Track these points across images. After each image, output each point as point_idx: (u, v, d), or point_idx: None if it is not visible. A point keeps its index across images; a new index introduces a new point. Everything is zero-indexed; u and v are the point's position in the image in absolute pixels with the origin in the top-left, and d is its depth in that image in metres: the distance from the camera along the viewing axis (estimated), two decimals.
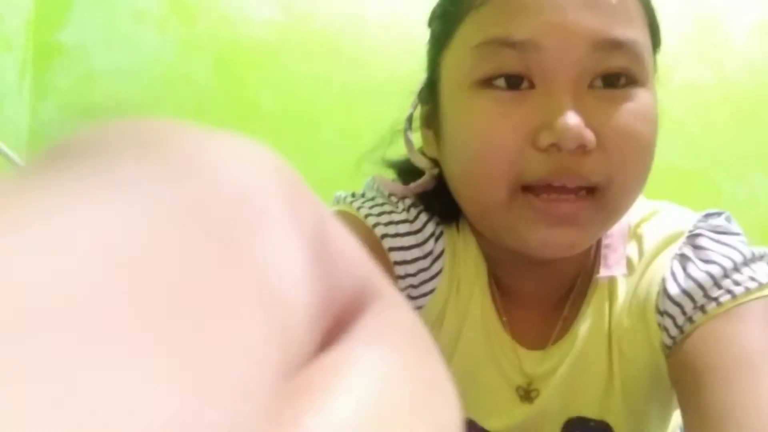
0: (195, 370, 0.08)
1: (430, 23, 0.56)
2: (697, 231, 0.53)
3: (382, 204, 0.56)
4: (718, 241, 0.52)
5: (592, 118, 0.44)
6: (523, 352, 0.57)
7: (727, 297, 0.48)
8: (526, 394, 0.57)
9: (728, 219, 0.55)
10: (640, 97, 0.46)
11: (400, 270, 0.54)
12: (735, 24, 1.71)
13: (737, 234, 0.53)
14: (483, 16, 0.47)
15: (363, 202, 0.56)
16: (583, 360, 0.56)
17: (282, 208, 0.10)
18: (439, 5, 0.55)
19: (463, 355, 0.58)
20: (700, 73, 1.70)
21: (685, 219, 0.55)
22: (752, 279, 0.48)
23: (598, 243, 0.55)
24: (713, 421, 0.43)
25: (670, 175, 1.66)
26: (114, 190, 0.08)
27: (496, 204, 0.47)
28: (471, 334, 0.58)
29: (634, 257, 0.55)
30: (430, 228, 0.56)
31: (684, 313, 0.49)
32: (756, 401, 0.42)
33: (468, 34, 0.48)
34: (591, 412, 0.56)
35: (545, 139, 0.44)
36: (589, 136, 0.44)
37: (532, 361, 0.57)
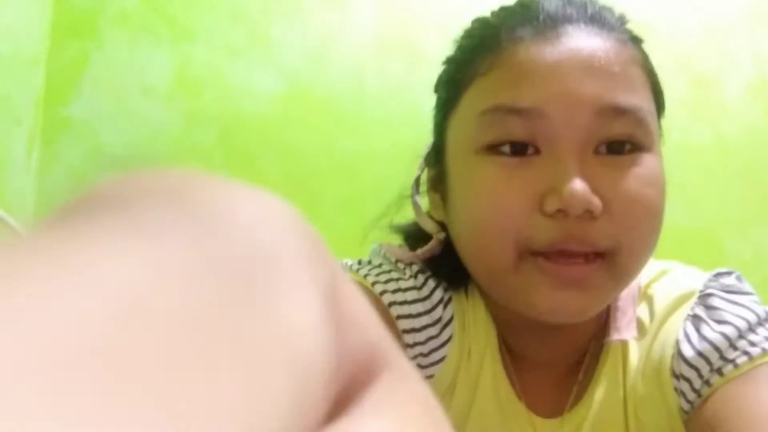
0: (217, 422, 0.07)
1: (436, 89, 0.57)
2: (708, 291, 0.52)
3: (389, 271, 0.55)
4: (730, 301, 0.51)
5: (599, 184, 0.45)
6: (538, 421, 0.55)
7: (744, 359, 0.47)
8: None
9: (739, 278, 0.55)
10: (646, 163, 0.47)
11: (409, 338, 0.52)
12: (729, 83, 1.75)
13: (749, 294, 0.53)
14: (488, 84, 0.48)
15: (370, 269, 0.55)
16: (599, 427, 0.54)
17: (300, 264, 0.10)
18: (444, 72, 0.56)
19: (476, 424, 0.56)
20: (696, 133, 1.73)
21: (696, 279, 0.54)
22: (767, 339, 0.48)
23: (609, 306, 0.54)
24: None
25: (674, 234, 1.65)
26: (140, 243, 0.08)
27: (504, 268, 0.47)
28: (483, 403, 0.56)
29: (646, 319, 0.54)
30: (438, 294, 0.55)
31: (701, 376, 0.48)
32: None
33: (474, 100, 0.49)
34: None
35: (552, 205, 0.44)
36: (596, 202, 0.44)
37: (547, 430, 0.55)
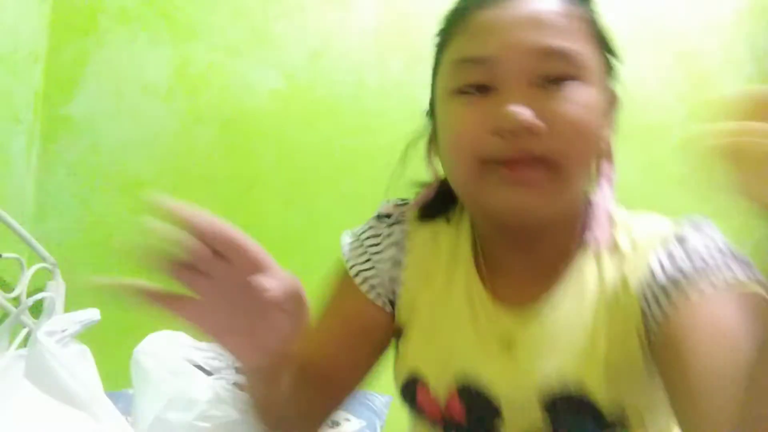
0: None
1: (433, 54, 0.69)
2: (682, 228, 0.62)
3: (365, 237, 0.78)
4: (701, 238, 0.60)
5: (540, 109, 0.57)
6: (503, 309, 0.66)
7: (709, 287, 0.55)
8: (508, 347, 0.65)
9: (710, 223, 0.63)
10: (580, 92, 0.59)
11: (374, 281, 0.75)
12: (728, 80, 1.74)
13: (718, 234, 0.61)
14: (458, 42, 0.63)
15: (350, 249, 0.80)
16: (564, 323, 0.63)
17: None
18: (434, 39, 0.69)
19: (447, 319, 0.69)
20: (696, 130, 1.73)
21: (672, 220, 0.65)
22: (732, 273, 0.56)
23: (583, 225, 0.66)
24: (694, 387, 0.50)
25: None
26: None
27: (472, 177, 0.60)
28: (456, 303, 0.69)
29: (623, 243, 0.64)
30: (393, 238, 0.76)
31: (669, 298, 0.57)
32: (728, 370, 0.49)
33: (448, 56, 0.64)
34: (571, 377, 0.61)
35: (499, 123, 0.57)
36: (534, 121, 0.57)
37: (511, 319, 0.65)
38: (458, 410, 0.67)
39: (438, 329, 0.70)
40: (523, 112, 0.56)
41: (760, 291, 0.55)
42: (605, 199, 0.65)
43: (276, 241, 1.82)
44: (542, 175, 0.58)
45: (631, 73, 1.98)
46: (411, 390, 0.71)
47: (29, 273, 1.60)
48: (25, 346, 1.23)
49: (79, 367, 1.01)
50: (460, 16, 0.64)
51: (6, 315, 1.51)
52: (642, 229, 0.65)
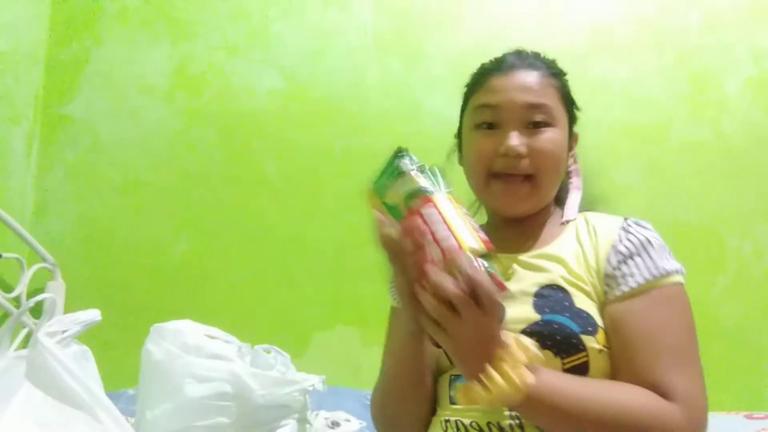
0: None
1: (462, 100, 1.03)
2: (626, 224, 0.90)
3: None
4: (641, 231, 0.88)
5: (529, 143, 0.91)
6: (503, 255, 0.93)
7: (643, 279, 0.83)
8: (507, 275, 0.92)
9: (647, 223, 0.91)
10: (552, 134, 0.93)
11: None
12: (728, 80, 1.75)
13: (654, 232, 0.89)
14: (479, 95, 0.97)
15: None
16: (549, 251, 0.91)
17: None
18: (464, 92, 1.02)
19: None
20: (696, 130, 1.73)
21: (621, 218, 0.93)
22: (662, 264, 0.84)
23: (553, 213, 0.99)
24: (629, 346, 0.80)
25: (674, 230, 1.66)
26: None
27: (482, 185, 0.95)
28: None
29: (581, 226, 0.94)
30: None
31: (616, 281, 0.84)
32: (654, 342, 0.79)
33: (473, 102, 0.98)
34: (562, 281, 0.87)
35: (501, 151, 0.91)
36: (523, 150, 0.91)
37: (509, 260, 0.93)
38: None
39: None
40: (518, 145, 0.91)
41: (681, 281, 0.84)
42: (575, 200, 0.99)
43: (276, 240, 1.82)
44: (526, 189, 0.93)
45: (631, 73, 1.99)
46: None
47: (29, 273, 1.60)
48: (25, 346, 1.23)
49: (80, 368, 1.01)
50: (482, 77, 0.98)
51: (6, 315, 1.51)
52: (599, 221, 0.93)
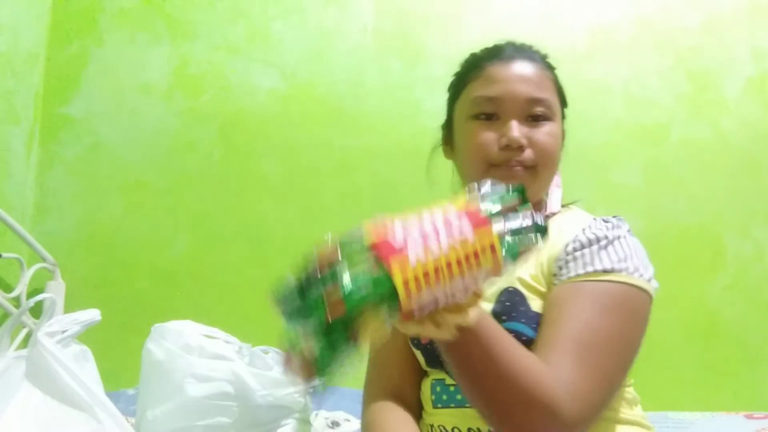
0: None
1: (449, 88, 1.02)
2: (592, 223, 0.89)
3: None
4: (601, 229, 0.86)
5: (529, 136, 0.91)
6: None
7: (580, 270, 0.82)
8: None
9: (620, 220, 0.90)
10: (550, 126, 0.92)
11: None
12: (728, 80, 1.75)
13: (621, 230, 0.87)
14: (476, 85, 0.95)
15: None
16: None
17: None
18: (453, 79, 1.01)
19: None
20: (696, 129, 1.73)
21: (590, 216, 0.93)
22: (600, 266, 0.82)
23: (544, 205, 0.97)
24: (555, 331, 0.77)
25: (674, 230, 1.65)
26: None
27: (480, 175, 0.89)
28: None
29: (553, 227, 0.90)
30: None
31: (567, 269, 0.83)
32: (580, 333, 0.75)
33: (469, 92, 0.96)
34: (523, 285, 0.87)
35: (502, 141, 0.90)
36: (524, 141, 0.90)
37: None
38: None
39: None
40: (519, 137, 0.90)
41: (629, 280, 0.81)
42: (555, 195, 0.99)
43: (275, 240, 1.82)
44: (528, 176, 0.91)
45: (631, 73, 1.99)
46: None
47: (29, 273, 1.60)
48: (25, 346, 1.23)
49: (80, 368, 1.01)
50: (475, 66, 0.96)
51: (6, 315, 1.51)
52: (566, 219, 0.93)
